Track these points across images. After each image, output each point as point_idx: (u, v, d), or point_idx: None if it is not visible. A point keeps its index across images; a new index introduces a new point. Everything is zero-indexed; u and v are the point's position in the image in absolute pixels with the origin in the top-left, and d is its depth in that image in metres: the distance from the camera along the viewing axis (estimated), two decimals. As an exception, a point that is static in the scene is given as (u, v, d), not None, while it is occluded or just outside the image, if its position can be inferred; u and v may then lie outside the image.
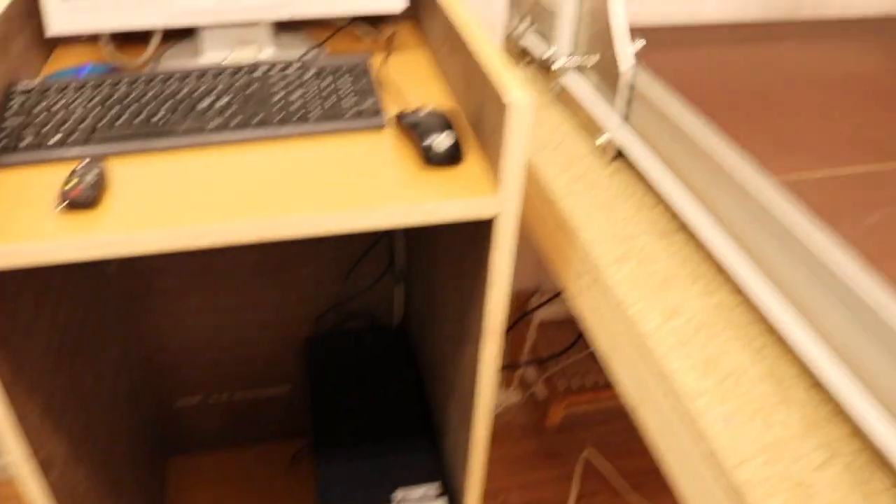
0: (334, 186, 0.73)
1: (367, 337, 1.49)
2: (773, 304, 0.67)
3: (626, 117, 0.93)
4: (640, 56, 0.94)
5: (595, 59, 0.98)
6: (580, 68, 1.04)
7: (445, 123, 0.78)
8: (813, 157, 0.86)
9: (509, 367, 1.89)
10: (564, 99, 1.07)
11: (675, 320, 0.72)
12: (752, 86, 1.02)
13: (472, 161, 0.77)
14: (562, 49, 1.06)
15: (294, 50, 1.02)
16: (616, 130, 0.92)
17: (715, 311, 0.73)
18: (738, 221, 0.74)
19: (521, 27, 1.20)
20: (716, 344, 0.70)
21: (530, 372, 1.94)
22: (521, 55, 1.20)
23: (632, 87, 0.91)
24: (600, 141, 0.95)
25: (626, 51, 0.91)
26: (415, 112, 0.81)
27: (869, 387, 0.59)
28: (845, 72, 1.09)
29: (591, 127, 0.99)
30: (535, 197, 0.96)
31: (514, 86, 0.68)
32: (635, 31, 1.13)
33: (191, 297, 1.41)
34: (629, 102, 0.92)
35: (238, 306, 1.45)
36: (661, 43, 1.14)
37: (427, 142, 0.76)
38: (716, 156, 0.76)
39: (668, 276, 0.78)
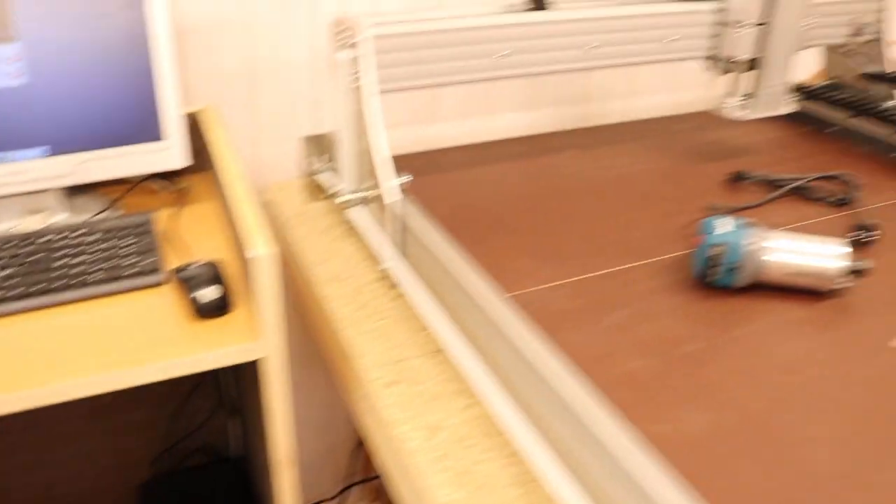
0: (110, 347, 0.78)
1: (206, 473, 1.50)
2: (507, 414, 0.75)
3: (399, 246, 1.01)
4: (418, 184, 1.03)
5: (374, 192, 1.07)
6: (365, 201, 1.12)
7: (215, 276, 0.84)
8: (571, 265, 0.97)
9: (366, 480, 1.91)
10: (355, 231, 1.15)
11: (436, 436, 0.79)
12: (529, 198, 1.13)
13: (241, 310, 0.83)
14: (345, 184, 1.14)
15: (87, 212, 1.07)
16: (388, 260, 1.01)
17: (473, 424, 0.81)
18: (481, 338, 0.82)
19: (319, 164, 1.29)
20: (472, 456, 0.77)
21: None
22: (320, 190, 1.29)
23: (400, 218, 1.00)
24: (381, 269, 1.04)
25: (391, 185, 1.00)
26: (189, 266, 0.87)
27: (587, 489, 0.67)
28: (616, 175, 1.22)
29: (375, 257, 1.07)
30: (324, 328, 1.03)
31: (259, 240, 0.75)
32: (422, 155, 1.24)
33: (18, 454, 1.40)
34: (400, 232, 1.01)
35: (71, 458, 1.44)
36: (451, 164, 1.25)
37: (195, 294, 0.82)
38: (461, 280, 0.85)
39: (434, 395, 0.85)
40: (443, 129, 1.52)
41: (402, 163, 1.28)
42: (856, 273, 0.92)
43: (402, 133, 1.50)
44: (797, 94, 1.54)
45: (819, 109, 1.50)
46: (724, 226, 0.92)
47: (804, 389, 0.77)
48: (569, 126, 1.55)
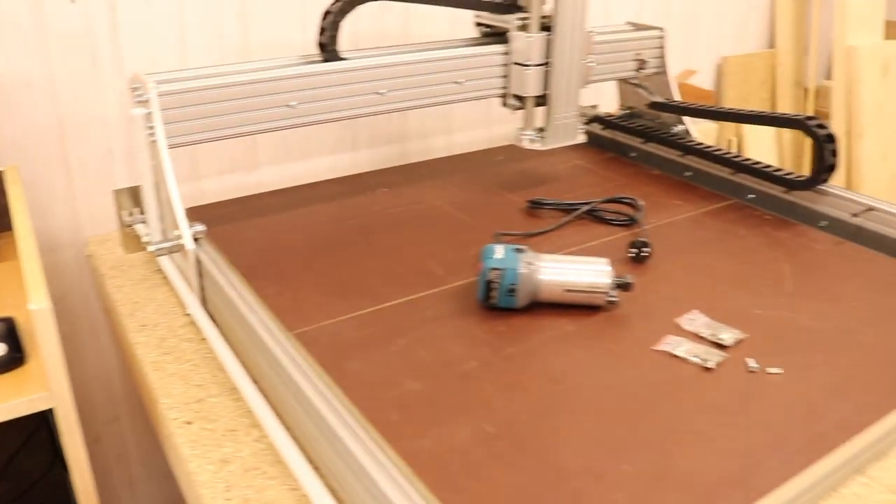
0: None
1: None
2: (284, 443, 0.81)
3: (199, 292, 1.05)
4: (229, 230, 1.08)
5: (177, 242, 1.11)
6: (171, 250, 1.15)
7: (7, 332, 0.86)
8: (365, 298, 1.04)
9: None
10: (167, 279, 1.18)
11: (225, 469, 0.83)
12: (335, 237, 1.20)
13: (34, 363, 0.86)
14: (154, 234, 1.17)
15: None
16: (190, 306, 1.04)
17: (262, 455, 0.85)
18: (264, 374, 0.87)
19: (133, 216, 1.31)
20: (257, 484, 0.81)
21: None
22: (138, 241, 1.31)
23: (198, 266, 1.04)
24: (186, 315, 1.07)
25: (186, 234, 1.04)
26: (-20, 324, 0.88)
27: None
28: (422, 210, 1.30)
29: (183, 303, 1.11)
30: (136, 373, 1.05)
31: (35, 294, 0.78)
32: (239, 201, 1.28)
33: None
34: (198, 278, 1.05)
35: None
36: (265, 208, 1.30)
37: (-17, 352, 0.84)
38: (248, 320, 0.90)
39: (228, 430, 0.89)
40: (263, 175, 1.57)
41: (218, 210, 1.32)
42: (622, 287, 1.01)
43: (223, 181, 1.54)
44: (597, 123, 1.66)
45: (619, 137, 1.62)
46: (500, 251, 1.00)
47: (566, 396, 0.85)
48: (389, 165, 1.62)
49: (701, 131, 2.09)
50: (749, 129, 2.37)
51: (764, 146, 2.41)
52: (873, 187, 2.30)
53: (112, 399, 1.57)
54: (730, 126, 2.37)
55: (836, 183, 1.32)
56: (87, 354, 1.51)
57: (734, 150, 2.38)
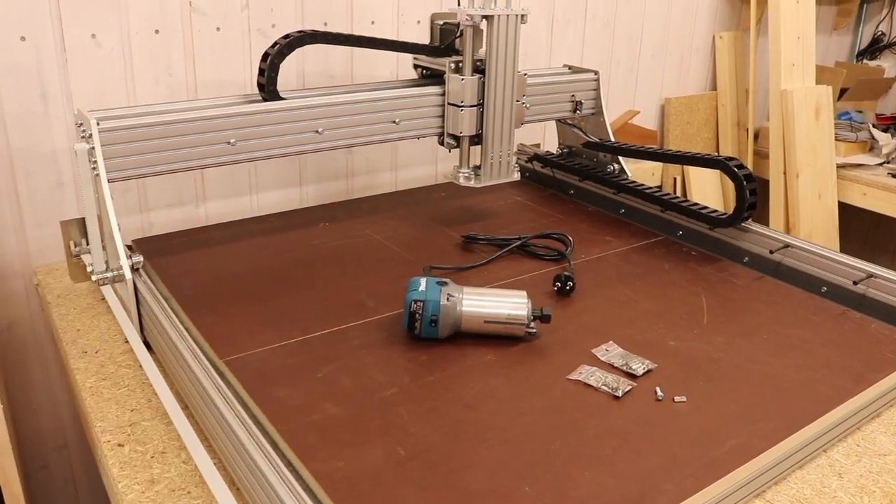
0: None
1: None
2: (204, 464, 0.85)
3: (136, 320, 1.10)
4: (172, 261, 1.13)
5: (118, 272, 1.15)
6: (112, 280, 1.20)
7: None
8: (296, 327, 1.08)
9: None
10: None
11: (152, 489, 0.87)
12: (274, 269, 1.25)
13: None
14: (97, 263, 1.21)
15: None
16: (128, 333, 1.09)
17: (188, 476, 0.89)
18: (191, 399, 0.92)
19: (82, 245, 1.35)
20: (182, 503, 0.85)
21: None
22: (85, 271, 1.34)
23: (135, 295, 1.08)
24: (125, 342, 1.11)
25: (125, 264, 1.08)
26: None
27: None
28: (362, 243, 1.35)
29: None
30: (76, 398, 1.09)
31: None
32: (185, 233, 1.32)
33: None
34: (136, 308, 1.09)
35: None
36: (210, 241, 1.34)
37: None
38: (179, 348, 0.95)
39: (158, 453, 0.93)
40: (210, 209, 1.62)
41: (164, 242, 1.36)
42: (541, 319, 1.07)
43: (171, 214, 1.58)
44: (537, 161, 1.72)
45: (558, 174, 1.69)
46: (423, 284, 1.05)
47: (478, 422, 0.90)
48: (334, 200, 1.68)
49: (647, 169, 2.17)
50: (692, 168, 2.45)
51: (706, 183, 2.50)
52: (811, 224, 2.39)
53: (60, 426, 1.59)
54: (675, 165, 2.45)
55: (775, 221, 1.39)
56: (35, 382, 1.53)
57: (678, 188, 2.46)
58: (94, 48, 1.40)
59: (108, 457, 0.91)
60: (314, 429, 0.86)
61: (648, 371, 1.00)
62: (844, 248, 2.46)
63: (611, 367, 1.01)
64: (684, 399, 0.95)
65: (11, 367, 1.49)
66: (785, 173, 2.37)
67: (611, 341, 1.07)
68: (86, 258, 1.28)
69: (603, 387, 0.97)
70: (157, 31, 1.45)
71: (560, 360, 1.03)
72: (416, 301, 1.02)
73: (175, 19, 1.46)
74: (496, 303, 1.04)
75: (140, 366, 1.08)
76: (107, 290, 1.24)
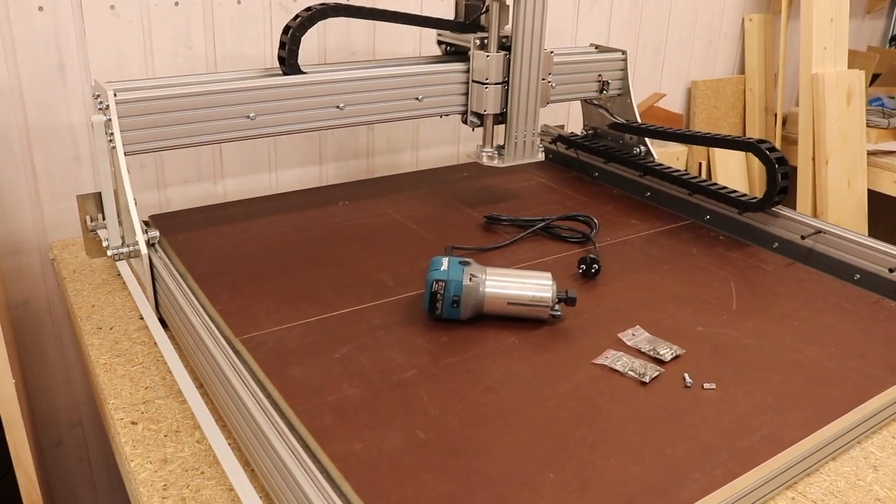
0: None
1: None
2: (219, 443, 0.83)
3: (151, 297, 1.07)
4: (188, 237, 1.11)
5: (134, 247, 1.13)
6: (128, 255, 1.17)
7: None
8: (313, 306, 1.06)
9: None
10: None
11: (164, 468, 0.85)
12: (293, 247, 1.22)
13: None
14: (113, 239, 1.19)
15: None
16: (143, 310, 1.07)
17: (202, 455, 0.87)
18: (207, 378, 0.89)
19: (95, 221, 1.33)
20: (195, 483, 0.83)
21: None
22: (101, 246, 1.32)
23: (151, 271, 1.06)
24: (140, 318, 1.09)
25: (140, 239, 1.06)
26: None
27: None
28: (381, 223, 1.32)
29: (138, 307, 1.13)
30: (90, 375, 1.07)
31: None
32: (203, 209, 1.30)
33: None
34: (151, 284, 1.07)
35: None
36: (228, 217, 1.32)
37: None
38: (195, 325, 0.93)
39: (172, 431, 0.91)
40: (228, 186, 1.59)
41: (181, 218, 1.34)
42: (566, 301, 1.04)
43: (188, 190, 1.56)
44: (561, 143, 1.69)
45: (582, 156, 1.65)
46: (445, 264, 1.02)
47: (499, 406, 0.87)
48: (355, 179, 1.65)
49: (672, 154, 2.13)
50: (718, 152, 2.41)
51: (732, 169, 2.45)
52: (839, 212, 2.34)
53: (74, 403, 1.58)
54: (700, 149, 2.40)
55: (802, 207, 1.35)
56: (50, 358, 1.52)
57: (704, 173, 2.42)
58: (113, 19, 1.37)
59: (121, 435, 0.89)
60: (331, 410, 0.84)
61: (676, 357, 0.97)
62: (873, 237, 2.41)
63: (638, 353, 0.98)
64: (713, 386, 0.92)
65: (27, 343, 1.47)
66: (814, 159, 2.32)
67: (637, 326, 1.04)
68: (102, 233, 1.26)
69: (630, 372, 0.94)
70: (176, 4, 1.42)
71: (585, 344, 0.99)
72: (437, 281, 0.99)
73: (195, -8, 1.43)
74: (520, 284, 1.01)
75: (155, 343, 1.06)
76: (122, 266, 1.22)
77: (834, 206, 2.32)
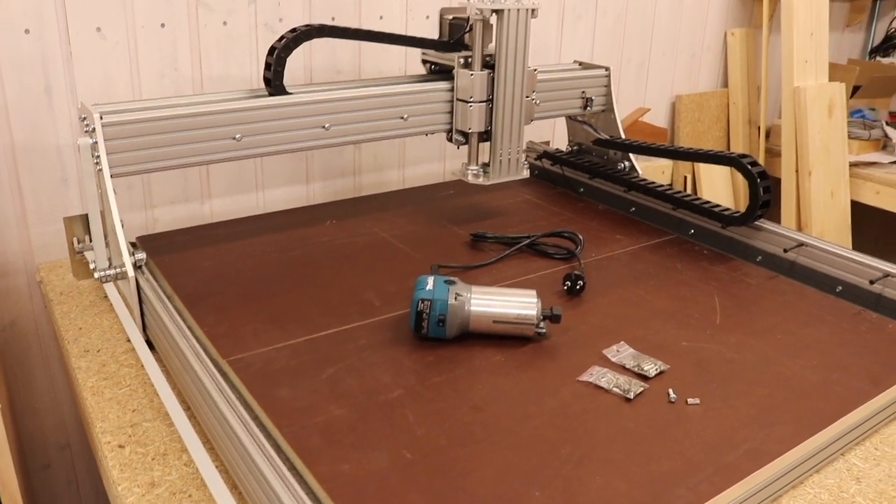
0: None
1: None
2: (206, 466, 0.83)
3: (139, 319, 1.08)
4: (175, 259, 1.11)
5: (121, 269, 1.13)
6: (115, 277, 1.18)
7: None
8: (300, 327, 1.06)
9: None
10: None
11: (153, 491, 0.85)
12: (280, 267, 1.23)
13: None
14: (100, 261, 1.20)
15: None
16: (130, 332, 1.07)
17: (190, 478, 0.87)
18: (194, 400, 0.90)
19: (86, 241, 1.34)
20: (183, 506, 0.83)
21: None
22: (88, 268, 1.33)
23: (138, 293, 1.06)
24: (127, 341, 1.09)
25: (127, 261, 1.06)
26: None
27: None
28: (368, 241, 1.33)
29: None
30: (78, 398, 1.07)
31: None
32: (189, 230, 1.30)
33: None
34: (138, 306, 1.07)
35: None
36: (215, 238, 1.33)
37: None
38: (182, 348, 0.93)
39: (159, 454, 0.91)
40: (215, 206, 1.60)
41: (168, 239, 1.35)
42: (551, 319, 1.04)
43: (175, 210, 1.57)
44: (546, 159, 1.70)
45: (568, 172, 1.67)
46: (431, 283, 1.03)
47: (486, 424, 0.88)
48: (341, 197, 1.66)
49: (657, 167, 2.14)
50: (703, 165, 2.43)
51: (717, 181, 2.47)
52: (822, 223, 2.36)
53: (62, 425, 1.58)
54: (685, 163, 2.42)
55: (787, 219, 1.36)
56: (37, 380, 1.52)
57: (689, 186, 2.44)
58: (100, 41, 1.38)
59: (109, 458, 0.90)
60: (318, 431, 0.84)
61: (661, 372, 0.98)
62: (857, 248, 2.43)
63: (622, 369, 0.99)
64: (698, 401, 0.93)
65: (14, 365, 1.47)
66: (797, 171, 2.34)
67: (622, 342, 1.05)
68: (89, 255, 1.26)
69: (614, 388, 0.95)
70: (162, 25, 1.43)
71: (570, 360, 1.00)
72: (423, 300, 1.00)
73: (181, 13, 1.44)
74: (505, 302, 1.02)
75: (142, 365, 1.06)
76: (109, 288, 1.22)
77: (817, 217, 2.34)
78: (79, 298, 1.28)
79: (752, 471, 0.81)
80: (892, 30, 3.12)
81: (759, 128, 2.54)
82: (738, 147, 2.53)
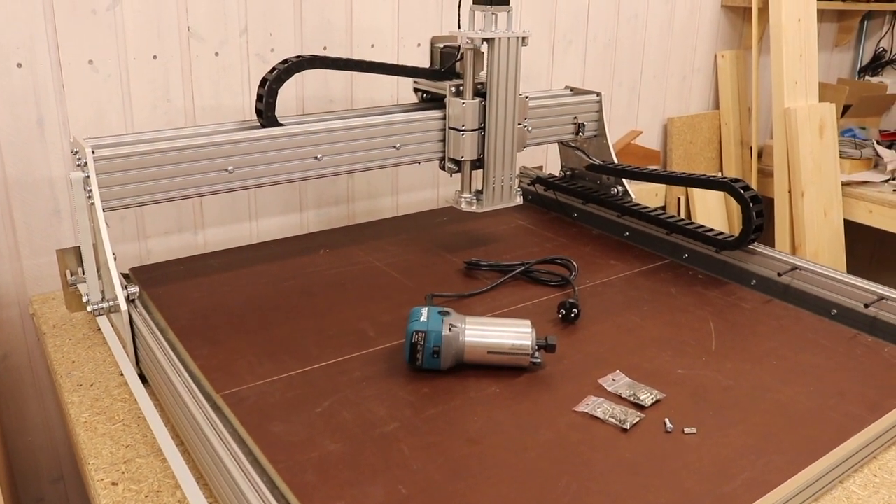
0: None
1: None
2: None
3: (132, 353, 1.07)
4: (168, 290, 1.10)
5: (113, 302, 1.12)
6: (108, 310, 1.17)
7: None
8: (295, 359, 1.06)
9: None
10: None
11: (146, 531, 0.84)
12: (273, 298, 1.22)
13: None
14: (92, 293, 1.19)
15: None
16: (123, 366, 1.06)
17: (184, 515, 0.86)
18: (187, 436, 0.89)
19: (79, 274, 1.33)
20: (177, 545, 0.82)
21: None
22: (81, 301, 1.32)
23: (131, 327, 1.06)
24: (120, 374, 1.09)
25: (120, 294, 1.06)
26: None
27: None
28: (362, 270, 1.33)
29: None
30: (70, 433, 1.06)
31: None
32: (183, 261, 1.30)
33: None
34: (131, 340, 1.07)
35: None
36: (208, 269, 1.32)
37: None
38: (174, 383, 0.92)
39: (153, 492, 0.90)
40: (209, 236, 1.60)
41: (161, 270, 1.34)
42: (546, 349, 1.04)
43: (169, 241, 1.56)
44: (540, 184, 1.70)
45: (561, 198, 1.67)
46: (425, 314, 1.03)
47: (482, 457, 0.87)
48: (335, 225, 1.65)
49: (651, 190, 2.15)
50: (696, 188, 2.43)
51: (710, 203, 2.47)
52: (816, 242, 2.37)
53: (56, 458, 1.57)
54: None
55: (780, 239, 1.36)
56: (30, 413, 1.51)
57: (682, 208, 2.44)
58: (92, 74, 1.38)
59: (102, 496, 0.89)
60: (313, 467, 0.84)
61: (657, 401, 0.98)
62: (851, 266, 2.44)
63: (618, 398, 0.99)
64: (694, 431, 0.92)
65: (7, 398, 1.46)
66: (790, 191, 2.35)
67: (618, 370, 1.04)
68: (82, 288, 1.26)
69: (610, 419, 0.94)
70: (154, 57, 1.43)
71: (566, 391, 1.00)
72: (417, 332, 0.99)
73: (173, 45, 1.45)
74: (499, 332, 1.02)
75: (136, 400, 1.05)
76: (102, 321, 1.21)
77: (811, 236, 2.34)
78: (72, 331, 1.27)
79: (751, 501, 0.81)
80: (880, 49, 3.15)
81: (750, 148, 2.55)
82: (730, 167, 2.54)
